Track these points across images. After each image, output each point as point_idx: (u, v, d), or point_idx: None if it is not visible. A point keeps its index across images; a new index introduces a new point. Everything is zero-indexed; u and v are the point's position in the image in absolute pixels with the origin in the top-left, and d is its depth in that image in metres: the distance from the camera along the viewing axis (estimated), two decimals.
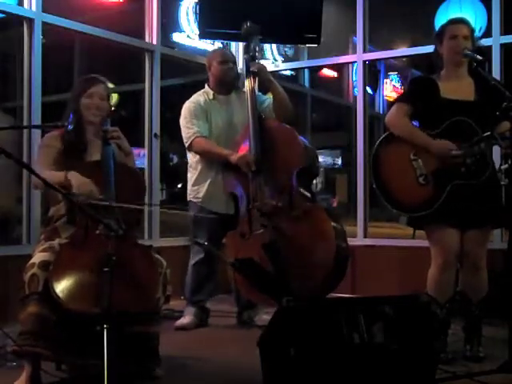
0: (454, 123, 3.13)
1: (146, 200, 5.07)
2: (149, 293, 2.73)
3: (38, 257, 2.70)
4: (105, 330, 2.37)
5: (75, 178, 2.80)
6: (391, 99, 15.71)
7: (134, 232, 2.94)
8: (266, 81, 4.03)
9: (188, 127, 4.05)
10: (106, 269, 2.47)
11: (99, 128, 3.06)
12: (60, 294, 2.56)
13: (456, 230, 3.15)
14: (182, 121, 4.10)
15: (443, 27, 3.30)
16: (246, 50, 4.09)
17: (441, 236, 3.16)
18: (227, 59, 4.20)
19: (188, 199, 4.21)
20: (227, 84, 4.20)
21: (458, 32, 3.21)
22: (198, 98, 4.16)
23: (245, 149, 3.91)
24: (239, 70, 4.60)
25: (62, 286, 2.58)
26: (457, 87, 3.23)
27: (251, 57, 4.04)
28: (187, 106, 4.12)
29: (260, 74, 3.99)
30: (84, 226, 2.81)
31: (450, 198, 3.10)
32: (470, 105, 3.19)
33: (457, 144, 3.11)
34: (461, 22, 3.32)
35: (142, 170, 5.23)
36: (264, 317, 3.95)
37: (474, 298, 3.22)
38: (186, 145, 4.07)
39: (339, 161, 15.38)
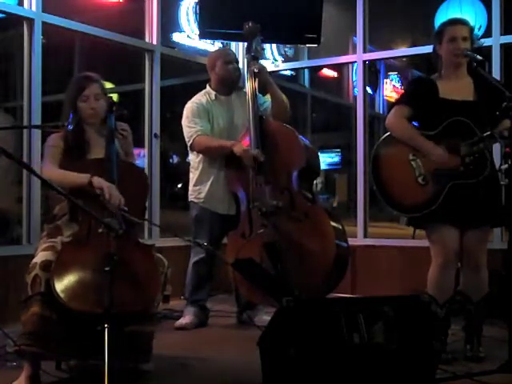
0: (452, 123, 3.13)
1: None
2: (150, 292, 2.73)
3: (39, 256, 2.70)
4: (106, 330, 2.37)
5: (105, 185, 2.81)
6: (391, 99, 15.70)
7: (135, 231, 2.94)
8: (265, 82, 4.03)
9: (190, 126, 4.05)
10: (107, 268, 2.47)
11: (100, 126, 3.06)
12: (61, 294, 2.56)
13: (456, 229, 3.16)
14: (184, 120, 4.11)
15: (442, 27, 3.29)
16: (248, 50, 4.10)
17: (441, 235, 3.16)
18: (232, 59, 4.21)
19: (189, 199, 4.21)
20: (231, 84, 4.20)
21: (457, 34, 3.21)
22: (200, 98, 4.16)
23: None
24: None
25: (63, 286, 2.58)
26: (456, 87, 3.23)
27: (253, 57, 4.04)
28: (189, 106, 4.12)
29: (260, 75, 3.99)
30: (87, 224, 2.80)
31: (450, 197, 3.10)
32: (469, 105, 3.19)
33: (456, 144, 3.12)
34: (460, 22, 3.31)
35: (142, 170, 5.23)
36: (264, 317, 3.95)
37: (474, 297, 3.21)
38: (188, 144, 4.08)
39: (339, 161, 15.36)
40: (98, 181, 2.82)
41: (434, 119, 3.19)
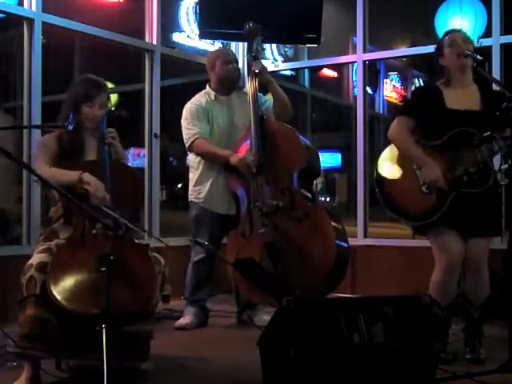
0: (457, 134, 3.12)
1: (146, 199, 5.09)
2: (147, 292, 2.72)
3: (35, 258, 2.69)
4: (104, 330, 2.37)
5: (93, 180, 2.81)
6: (391, 99, 15.73)
7: (131, 231, 2.93)
8: (266, 82, 4.03)
9: (189, 128, 4.05)
10: (103, 268, 2.47)
11: (95, 129, 3.05)
12: (57, 296, 2.55)
13: (459, 234, 3.15)
14: (183, 122, 4.10)
15: (441, 39, 3.31)
16: (249, 50, 4.10)
17: (444, 240, 3.15)
18: (232, 59, 4.22)
19: (189, 199, 4.21)
20: (231, 84, 4.20)
21: (457, 37, 3.23)
22: (200, 98, 4.16)
23: (246, 149, 3.91)
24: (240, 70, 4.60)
25: (59, 288, 2.57)
26: (462, 96, 3.21)
27: (253, 57, 4.04)
28: (189, 107, 4.12)
29: (261, 75, 3.99)
30: (81, 226, 2.80)
31: (454, 206, 3.09)
32: (475, 115, 3.17)
33: (457, 153, 3.12)
34: (458, 31, 3.36)
35: (142, 169, 5.24)
36: (264, 317, 3.95)
37: (475, 300, 3.21)
38: (187, 145, 4.08)
39: (339, 161, 15.38)
40: (87, 175, 2.83)
41: (439, 129, 3.16)
